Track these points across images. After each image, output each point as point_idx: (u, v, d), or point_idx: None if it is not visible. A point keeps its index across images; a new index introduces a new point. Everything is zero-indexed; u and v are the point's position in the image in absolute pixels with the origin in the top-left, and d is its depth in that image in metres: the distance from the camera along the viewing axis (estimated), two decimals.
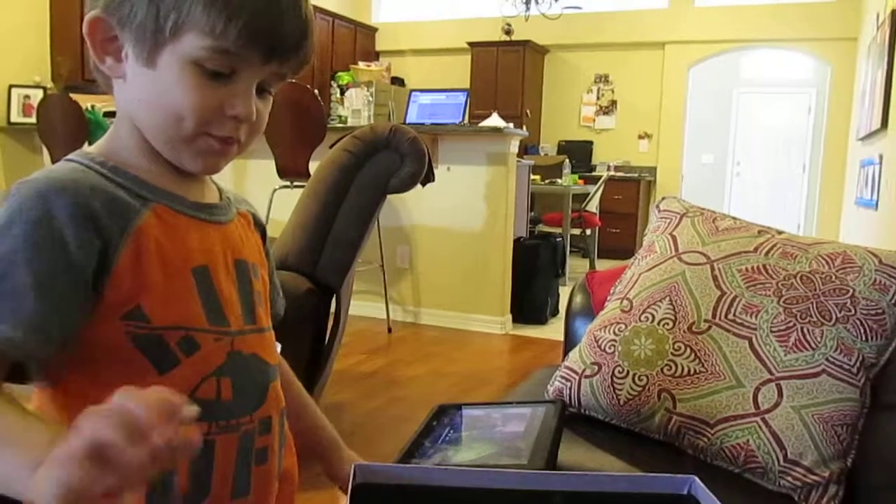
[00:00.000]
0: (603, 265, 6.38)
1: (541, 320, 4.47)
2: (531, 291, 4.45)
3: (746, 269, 1.20)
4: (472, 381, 3.39)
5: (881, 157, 4.43)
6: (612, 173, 7.24)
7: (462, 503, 0.71)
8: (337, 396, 3.03)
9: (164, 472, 0.56)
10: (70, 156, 0.69)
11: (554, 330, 4.28)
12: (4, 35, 5.14)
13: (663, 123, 7.98)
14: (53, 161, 4.55)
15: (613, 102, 8.22)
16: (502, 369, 3.74)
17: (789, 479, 1.05)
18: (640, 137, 8.11)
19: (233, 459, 0.69)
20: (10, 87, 5.30)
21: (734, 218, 1.34)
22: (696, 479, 0.68)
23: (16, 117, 5.38)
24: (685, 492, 0.69)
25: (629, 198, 7.75)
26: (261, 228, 0.84)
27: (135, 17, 0.65)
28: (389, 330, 4.19)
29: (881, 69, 4.52)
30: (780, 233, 1.29)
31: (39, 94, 5.34)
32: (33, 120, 4.84)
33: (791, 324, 1.13)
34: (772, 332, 1.13)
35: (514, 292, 4.32)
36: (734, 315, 1.16)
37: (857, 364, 1.09)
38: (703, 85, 8.33)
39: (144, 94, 0.67)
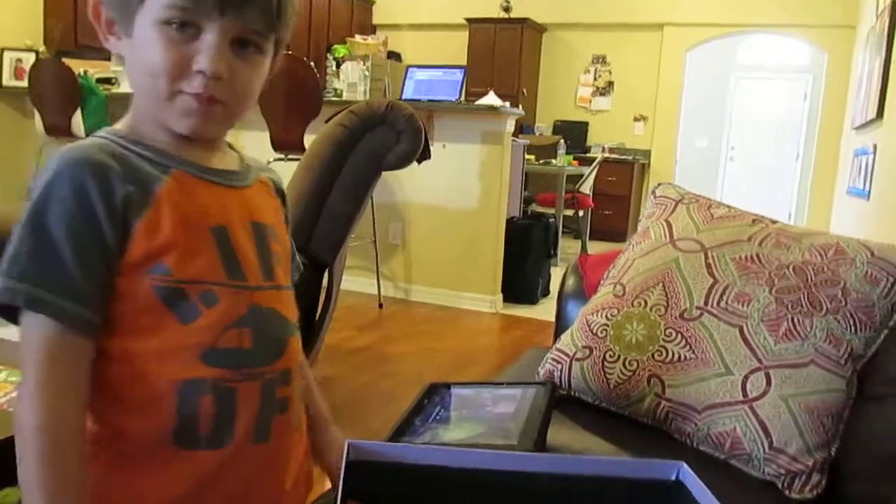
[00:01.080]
0: (595, 247, 6.41)
1: (531, 300, 4.48)
2: (523, 271, 4.47)
3: (740, 258, 1.21)
4: (462, 359, 3.41)
5: (875, 146, 4.44)
6: (606, 155, 7.23)
7: (452, 482, 0.72)
8: (327, 371, 3.04)
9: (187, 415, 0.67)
10: (98, 132, 0.73)
11: (544, 310, 4.30)
12: None
13: (659, 106, 7.96)
14: (46, 127, 4.51)
15: (610, 83, 8.19)
16: (492, 348, 3.77)
17: (774, 466, 1.06)
18: (636, 120, 8.10)
19: (255, 406, 0.73)
20: (2, 50, 5.22)
21: (729, 206, 1.35)
22: (685, 464, 0.69)
23: (7, 81, 5.31)
24: (673, 477, 0.71)
25: (623, 180, 7.75)
26: (281, 195, 0.87)
27: None
28: (381, 306, 4.20)
29: (879, 59, 4.51)
30: (773, 222, 1.30)
31: (32, 57, 5.27)
32: (25, 84, 4.78)
33: (782, 313, 1.14)
34: (762, 321, 1.14)
35: (505, 272, 4.33)
36: (726, 303, 1.17)
37: (846, 355, 1.11)
38: (700, 68, 8.30)
39: (131, 64, 0.72)
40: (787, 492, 1.06)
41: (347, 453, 0.71)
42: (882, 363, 1.13)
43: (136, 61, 0.71)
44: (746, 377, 1.11)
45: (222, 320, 0.71)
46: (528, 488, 0.71)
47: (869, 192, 4.54)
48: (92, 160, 0.67)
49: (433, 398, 1.26)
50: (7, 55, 5.28)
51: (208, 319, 0.70)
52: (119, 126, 0.74)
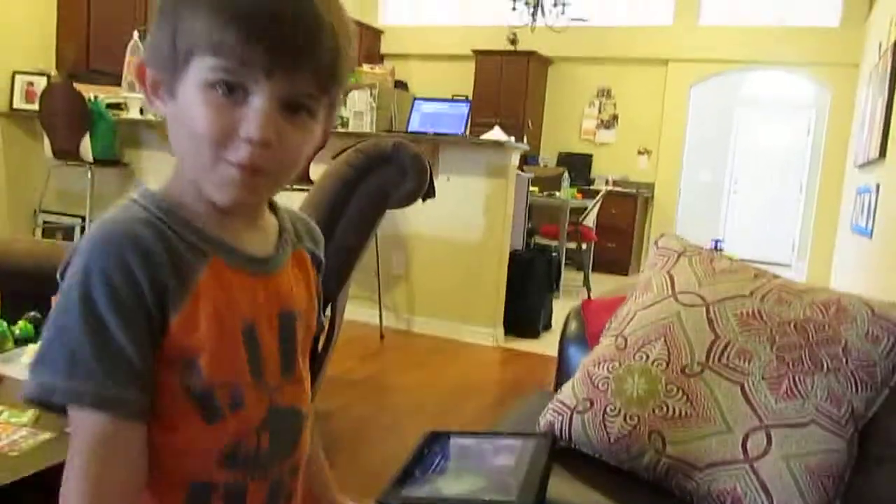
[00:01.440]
0: (597, 279, 6.40)
1: (533, 334, 4.48)
2: (525, 304, 4.46)
3: (741, 314, 1.22)
4: (462, 393, 3.40)
5: (878, 186, 4.46)
6: (610, 188, 7.26)
7: None
8: (327, 404, 3.04)
9: None
10: (134, 195, 0.69)
11: (546, 344, 4.29)
12: (11, 22, 5.13)
13: (663, 140, 8.00)
14: (54, 150, 4.54)
15: (615, 117, 8.24)
16: (493, 382, 3.76)
17: None
18: (640, 153, 8.13)
19: (262, 501, 0.72)
20: (14, 73, 5.28)
21: (731, 259, 1.36)
22: None
23: (18, 103, 5.36)
24: None
25: (626, 213, 7.76)
26: (318, 263, 0.84)
27: (160, 53, 0.66)
28: (382, 337, 4.19)
29: (881, 98, 4.54)
30: (776, 277, 1.30)
31: (43, 81, 5.33)
32: (35, 107, 4.83)
33: (783, 371, 1.14)
34: (763, 378, 1.14)
35: (507, 304, 4.33)
36: (727, 360, 1.17)
37: (847, 415, 1.11)
38: (704, 102, 8.36)
39: (175, 127, 0.68)
40: None
41: None
42: (885, 425, 1.13)
43: (179, 125, 0.67)
44: (747, 436, 1.11)
45: (245, 424, 0.70)
46: None
47: (871, 230, 4.55)
48: (133, 235, 0.64)
49: (433, 447, 1.26)
50: (18, 78, 5.33)
51: (232, 422, 0.69)
52: (156, 191, 0.70)
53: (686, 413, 1.16)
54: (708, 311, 1.24)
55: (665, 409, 1.17)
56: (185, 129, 0.66)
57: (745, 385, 1.15)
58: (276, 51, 0.63)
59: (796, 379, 1.13)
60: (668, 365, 1.20)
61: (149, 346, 0.63)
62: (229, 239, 0.71)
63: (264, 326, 0.72)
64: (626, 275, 7.61)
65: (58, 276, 0.65)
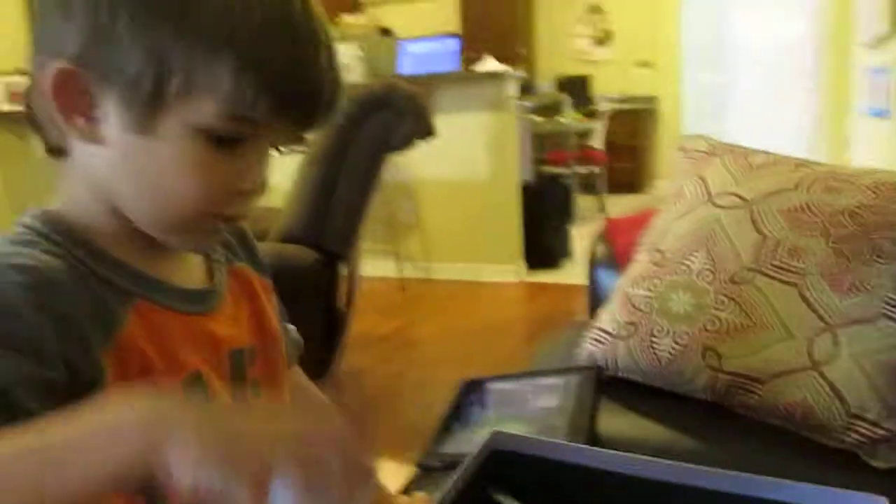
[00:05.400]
0: (612, 200, 6.26)
1: (554, 264, 4.38)
2: (542, 236, 4.35)
3: (788, 209, 1.10)
4: (490, 335, 3.32)
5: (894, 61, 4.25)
6: (614, 105, 7.05)
7: (599, 485, 0.64)
8: (355, 362, 2.97)
9: None
10: (27, 219, 0.56)
11: (568, 273, 4.20)
12: None
13: (660, 49, 7.75)
14: (48, 148, 4.43)
15: (608, 32, 7.98)
16: (520, 319, 3.68)
17: (854, 435, 0.97)
18: (639, 66, 7.89)
19: None
20: None
21: (767, 153, 1.24)
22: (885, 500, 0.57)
23: (3, 106, 5.24)
24: None
25: (633, 130, 7.57)
26: (262, 271, 0.72)
27: (123, 73, 0.51)
28: (403, 289, 4.11)
29: None
30: (819, 164, 1.19)
31: (24, 80, 5.19)
32: (21, 107, 4.71)
33: (842, 265, 1.03)
34: (822, 276, 1.04)
35: (524, 238, 4.23)
36: (779, 261, 1.06)
37: None
38: (698, 2, 8.05)
39: (135, 166, 0.55)
40: (871, 461, 0.96)
41: (488, 442, 0.66)
42: None
43: (147, 170, 0.54)
44: (811, 340, 1.01)
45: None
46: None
47: (891, 110, 4.37)
48: (43, 281, 0.50)
49: (470, 397, 1.17)
50: (1, 80, 5.19)
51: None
52: (58, 216, 0.57)
53: (741, 324, 1.05)
54: (750, 211, 1.12)
55: (717, 322, 1.07)
56: (162, 179, 0.54)
57: (802, 285, 1.04)
58: (307, 117, 0.56)
59: (858, 271, 1.02)
60: (713, 275, 1.10)
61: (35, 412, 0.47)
62: (156, 272, 0.59)
63: (212, 375, 0.60)
64: (641, 193, 7.46)
65: None
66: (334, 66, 0.56)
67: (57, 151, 0.58)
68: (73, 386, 0.49)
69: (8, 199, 5.16)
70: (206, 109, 0.52)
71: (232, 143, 0.54)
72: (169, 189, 0.54)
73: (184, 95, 0.51)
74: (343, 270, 2.26)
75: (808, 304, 1.03)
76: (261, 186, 0.57)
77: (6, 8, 5.01)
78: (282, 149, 0.60)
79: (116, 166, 0.55)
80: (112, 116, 0.53)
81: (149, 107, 0.52)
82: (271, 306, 0.71)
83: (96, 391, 0.50)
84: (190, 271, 0.63)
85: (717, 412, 1.08)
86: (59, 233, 0.55)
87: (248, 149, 0.55)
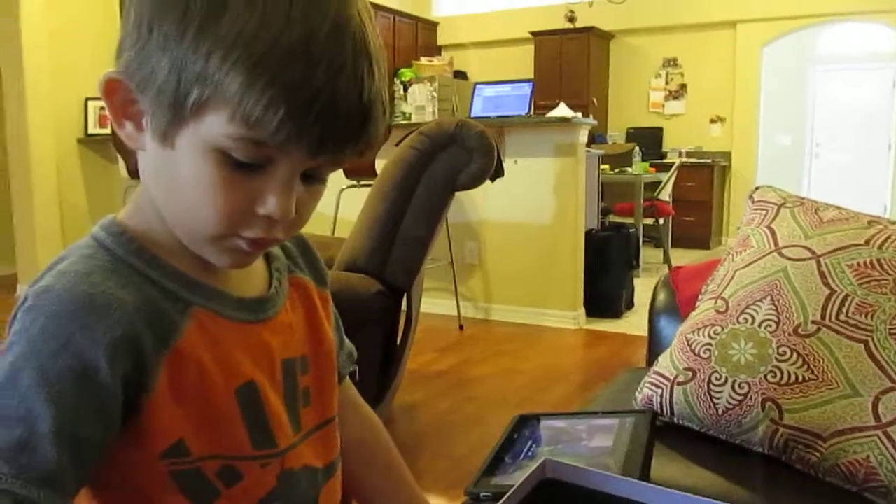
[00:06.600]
0: (677, 254, 6.18)
1: (615, 314, 4.33)
2: (604, 284, 4.32)
3: (858, 265, 1.08)
4: (546, 379, 3.30)
5: None
6: (683, 159, 6.99)
7: None
8: (409, 397, 2.99)
9: None
10: (98, 230, 0.58)
11: (629, 324, 4.15)
12: (80, 50, 5.27)
13: (736, 106, 7.68)
14: (129, 171, 4.64)
15: (683, 86, 7.95)
16: (577, 366, 3.64)
17: None
18: (713, 121, 7.83)
19: None
20: (87, 100, 5.43)
21: (839, 208, 1.22)
22: None
23: (93, 129, 5.53)
24: None
25: (703, 184, 7.48)
26: (322, 283, 0.73)
27: (154, 81, 0.52)
28: (461, 327, 4.13)
29: None
30: (892, 223, 1.17)
31: None
32: (108, 130, 4.96)
33: None
34: (891, 334, 1.01)
35: (586, 286, 4.20)
36: (846, 316, 1.05)
37: None
38: (777, 63, 7.96)
39: (162, 175, 0.56)
40: None
41: (542, 470, 0.66)
42: None
43: (169, 180, 0.55)
44: (877, 398, 0.99)
45: (247, 498, 0.59)
46: None
47: None
48: (104, 304, 0.52)
49: (523, 432, 1.18)
50: (91, 104, 5.48)
51: (229, 499, 0.57)
52: (125, 224, 0.59)
53: (803, 377, 1.04)
54: (818, 265, 1.11)
55: (779, 374, 1.05)
56: (182, 192, 0.55)
57: (870, 342, 1.02)
58: (326, 142, 0.52)
59: None
60: (777, 326, 1.08)
61: (92, 448, 0.51)
62: (214, 280, 0.60)
63: (267, 383, 0.61)
64: (708, 248, 7.33)
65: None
66: (364, 96, 0.52)
67: (137, 173, 0.60)
68: (125, 392, 0.52)
69: (92, 220, 5.42)
70: (219, 129, 0.51)
71: (250, 167, 0.53)
72: (190, 203, 0.54)
73: (200, 110, 0.51)
74: (403, 304, 2.29)
75: (876, 362, 1.00)
76: (282, 213, 0.54)
77: (99, 35, 5.30)
78: (319, 179, 0.58)
79: (153, 175, 0.57)
80: (148, 126, 0.55)
81: (171, 119, 0.52)
82: (328, 318, 0.72)
83: (146, 396, 0.53)
84: (248, 279, 0.64)
85: (774, 466, 1.06)
86: (121, 244, 0.57)
87: (268, 174, 0.53)
